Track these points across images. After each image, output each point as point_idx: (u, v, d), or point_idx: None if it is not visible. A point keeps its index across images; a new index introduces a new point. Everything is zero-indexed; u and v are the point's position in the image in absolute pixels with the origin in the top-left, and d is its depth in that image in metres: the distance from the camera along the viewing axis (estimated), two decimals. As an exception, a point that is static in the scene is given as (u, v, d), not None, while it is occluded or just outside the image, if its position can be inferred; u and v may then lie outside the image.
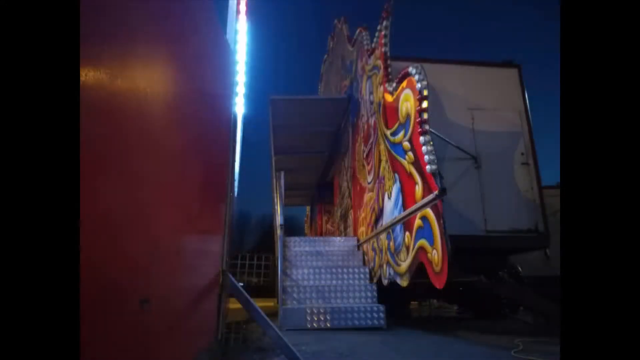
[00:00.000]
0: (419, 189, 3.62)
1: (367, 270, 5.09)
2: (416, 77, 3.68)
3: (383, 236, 4.67)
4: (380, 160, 4.95)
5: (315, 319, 4.24)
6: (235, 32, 4.25)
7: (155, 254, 1.31)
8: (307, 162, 10.00)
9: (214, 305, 2.36)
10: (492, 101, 5.08)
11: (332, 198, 9.27)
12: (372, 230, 5.24)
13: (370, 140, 5.47)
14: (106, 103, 0.94)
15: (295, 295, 4.64)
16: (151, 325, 1.26)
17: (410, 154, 3.81)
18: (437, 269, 3.18)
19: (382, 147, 4.84)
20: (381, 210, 4.87)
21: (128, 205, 1.07)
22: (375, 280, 4.88)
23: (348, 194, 7.18)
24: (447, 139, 4.60)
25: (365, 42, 5.91)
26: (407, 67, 3.88)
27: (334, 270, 5.05)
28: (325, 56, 10.30)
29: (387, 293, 4.74)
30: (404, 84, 4.03)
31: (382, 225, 4.75)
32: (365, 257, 5.47)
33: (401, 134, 4.08)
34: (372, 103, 5.42)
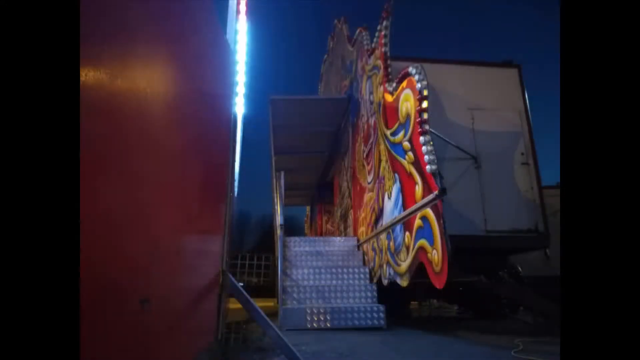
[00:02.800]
0: (419, 189, 3.62)
1: (367, 270, 5.09)
2: (416, 77, 3.68)
3: (383, 236, 4.67)
4: (380, 160, 4.95)
5: (315, 319, 4.24)
6: (235, 32, 4.25)
7: (155, 254, 1.31)
8: (307, 162, 9.99)
9: (214, 305, 2.36)
10: (492, 101, 5.08)
11: (332, 198, 9.27)
12: (372, 230, 5.24)
13: (370, 140, 5.47)
14: (106, 103, 0.94)
15: (295, 295, 4.64)
16: (151, 325, 1.26)
17: (410, 154, 3.81)
18: (437, 269, 3.18)
19: (382, 147, 4.84)
20: (381, 210, 4.87)
21: (128, 205, 1.07)
22: (375, 280, 4.88)
23: (348, 194, 7.18)
24: (447, 139, 4.60)
25: (365, 42, 5.91)
26: (407, 67, 3.88)
27: (334, 270, 5.05)
28: (325, 56, 10.30)
29: (387, 293, 4.74)
30: (404, 84, 4.03)
31: (382, 225, 4.75)
32: (365, 257, 5.47)
33: (401, 134, 4.08)
34: (372, 103, 5.42)
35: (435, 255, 3.21)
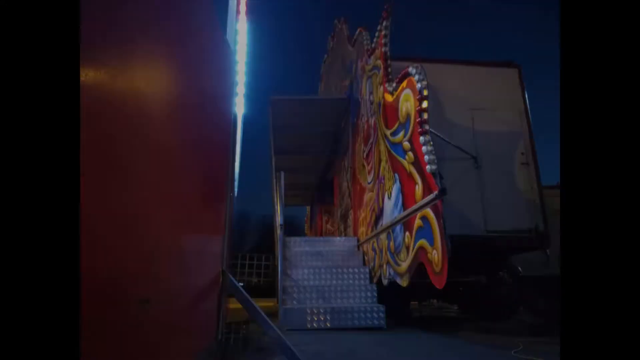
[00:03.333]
0: (419, 189, 3.62)
1: (367, 270, 5.09)
2: (416, 77, 3.68)
3: (383, 236, 4.67)
4: (380, 160, 4.95)
5: (316, 319, 4.24)
6: (235, 32, 4.25)
7: (155, 254, 1.31)
8: (307, 162, 9.99)
9: (214, 305, 2.36)
10: (492, 101, 5.08)
11: (332, 198, 9.26)
12: (372, 230, 5.24)
13: (370, 141, 5.47)
14: (106, 103, 0.94)
15: (295, 295, 4.64)
16: (151, 325, 1.26)
17: (410, 154, 3.81)
18: (437, 269, 3.18)
19: (382, 147, 4.84)
20: (381, 211, 4.87)
21: (128, 205, 1.07)
22: (375, 280, 4.88)
23: (348, 194, 7.18)
24: (447, 139, 4.60)
25: (365, 42, 5.91)
26: (407, 67, 3.88)
27: (334, 270, 5.05)
28: (325, 56, 10.29)
29: (387, 293, 4.74)
30: (404, 84, 4.03)
31: (382, 225, 4.75)
32: (366, 257, 5.47)
33: (401, 134, 4.08)
34: (372, 103, 5.42)
35: (435, 255, 3.21)
